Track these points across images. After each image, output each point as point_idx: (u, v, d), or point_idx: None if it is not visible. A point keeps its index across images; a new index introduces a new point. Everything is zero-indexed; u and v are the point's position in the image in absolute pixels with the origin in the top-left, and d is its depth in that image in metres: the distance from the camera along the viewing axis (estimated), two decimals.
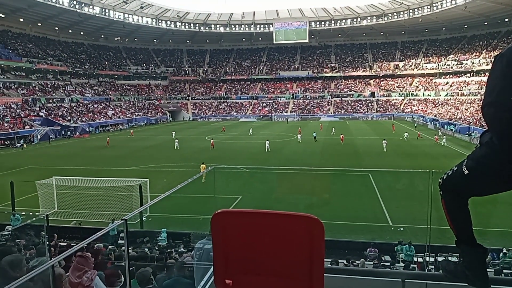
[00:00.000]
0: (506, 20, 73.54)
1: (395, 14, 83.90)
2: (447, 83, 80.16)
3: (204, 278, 2.79)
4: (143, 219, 17.47)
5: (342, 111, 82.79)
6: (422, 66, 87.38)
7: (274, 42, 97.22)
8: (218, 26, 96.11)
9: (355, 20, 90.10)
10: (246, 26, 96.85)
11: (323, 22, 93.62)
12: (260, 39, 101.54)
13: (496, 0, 62.61)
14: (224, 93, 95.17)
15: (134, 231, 15.37)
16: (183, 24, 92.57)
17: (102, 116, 69.15)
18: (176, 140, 41.65)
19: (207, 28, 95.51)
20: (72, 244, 12.09)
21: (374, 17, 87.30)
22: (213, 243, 1.82)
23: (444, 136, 42.89)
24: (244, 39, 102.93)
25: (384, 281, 2.48)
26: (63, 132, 55.69)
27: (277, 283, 1.78)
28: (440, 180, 2.27)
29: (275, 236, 1.72)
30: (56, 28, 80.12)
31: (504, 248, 11.92)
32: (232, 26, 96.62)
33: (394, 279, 2.46)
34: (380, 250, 13.15)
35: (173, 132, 49.67)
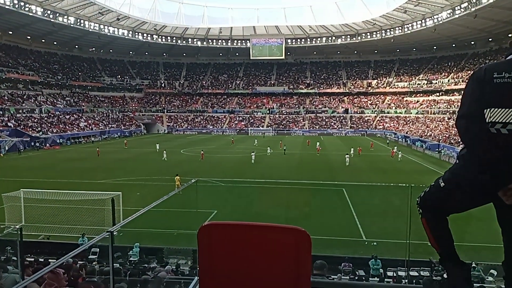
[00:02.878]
0: (472, 43, 77.15)
1: (368, 34, 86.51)
2: (417, 101, 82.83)
3: None
4: (114, 233, 16.98)
5: (317, 127, 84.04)
6: (394, 85, 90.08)
7: (251, 58, 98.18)
8: (195, 40, 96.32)
9: (330, 38, 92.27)
10: (224, 41, 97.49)
11: (299, 40, 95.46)
12: (237, 54, 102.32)
13: (463, 24, 65.59)
14: (201, 106, 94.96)
15: (104, 246, 14.91)
16: (160, 37, 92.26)
17: (74, 128, 67.50)
18: (164, 151, 41.80)
19: (184, 42, 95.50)
20: (40, 260, 11.64)
21: (348, 36, 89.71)
22: (199, 256, 1.79)
23: (400, 152, 43.81)
24: (221, 54, 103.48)
25: None
26: (32, 144, 53.94)
27: None
28: (417, 199, 2.31)
29: (262, 249, 1.72)
30: (29, 37, 78.12)
31: (473, 262, 12.24)
32: (210, 40, 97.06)
33: None
34: (354, 264, 13.27)
35: (157, 145, 49.35)
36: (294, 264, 1.68)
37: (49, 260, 11.59)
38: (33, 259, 11.85)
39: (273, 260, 1.72)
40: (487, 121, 1.95)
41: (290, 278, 1.70)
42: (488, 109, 1.95)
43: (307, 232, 1.66)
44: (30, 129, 57.51)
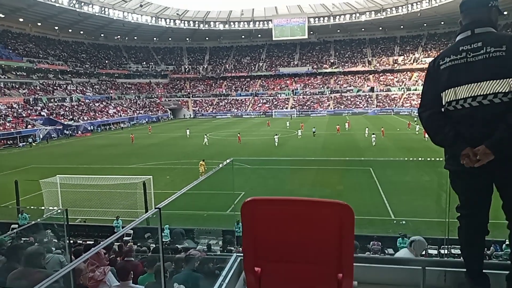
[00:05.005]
0: (506, 13, 73.04)
1: (393, 8, 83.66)
2: None
3: (227, 267, 2.89)
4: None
5: (342, 107, 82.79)
6: (421, 61, 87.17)
7: (273, 39, 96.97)
8: (217, 23, 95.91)
9: (354, 15, 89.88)
10: (245, 23, 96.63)
11: (322, 18, 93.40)
12: (259, 36, 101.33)
13: None
14: (225, 90, 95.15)
15: (138, 227, 15.42)
16: (183, 22, 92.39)
17: (104, 115, 69.23)
18: (205, 136, 41.28)
19: (206, 25, 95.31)
20: (78, 241, 12.26)
21: (373, 12, 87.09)
22: (242, 231, 1.85)
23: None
24: (243, 36, 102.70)
25: (405, 269, 2.57)
26: (65, 131, 55.80)
27: (306, 269, 1.78)
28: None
29: (305, 223, 1.74)
30: (56, 28, 79.96)
31: (506, 240, 11.98)
32: (231, 23, 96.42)
33: (415, 267, 2.55)
34: (383, 243, 13.28)
35: (187, 130, 49.54)
36: (337, 237, 1.68)
37: (88, 242, 12.20)
38: (72, 241, 12.50)
39: (315, 234, 1.74)
40: (444, 102, 2.35)
41: (332, 252, 1.72)
42: (443, 92, 2.38)
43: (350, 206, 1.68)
44: (62, 118, 59.39)
